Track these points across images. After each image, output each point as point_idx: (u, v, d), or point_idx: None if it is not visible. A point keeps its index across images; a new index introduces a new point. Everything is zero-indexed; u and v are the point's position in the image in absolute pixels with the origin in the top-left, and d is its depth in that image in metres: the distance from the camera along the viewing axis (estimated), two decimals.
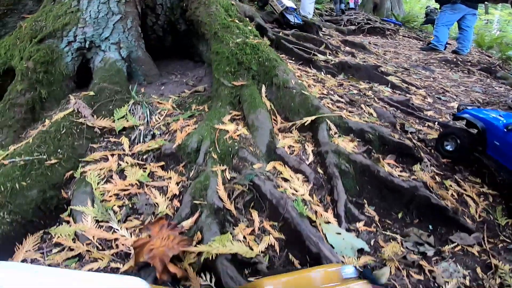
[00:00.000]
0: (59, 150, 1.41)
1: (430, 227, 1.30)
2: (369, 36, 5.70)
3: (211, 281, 0.94)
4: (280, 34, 2.91)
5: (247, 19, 2.33)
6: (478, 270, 1.16)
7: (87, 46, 1.85)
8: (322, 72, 2.44)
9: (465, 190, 1.52)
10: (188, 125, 1.58)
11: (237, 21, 2.08)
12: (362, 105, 1.87)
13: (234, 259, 0.98)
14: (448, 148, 1.69)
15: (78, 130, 1.53)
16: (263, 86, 1.70)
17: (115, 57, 1.85)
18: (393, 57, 4.20)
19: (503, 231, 1.37)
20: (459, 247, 1.23)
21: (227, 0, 2.29)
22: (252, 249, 1.02)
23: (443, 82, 3.27)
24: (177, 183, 1.35)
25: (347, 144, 1.44)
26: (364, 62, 3.07)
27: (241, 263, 1.00)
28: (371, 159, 1.39)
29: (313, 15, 5.33)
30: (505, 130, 1.49)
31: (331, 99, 1.87)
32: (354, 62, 2.67)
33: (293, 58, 2.61)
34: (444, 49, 5.20)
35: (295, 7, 3.52)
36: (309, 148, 1.47)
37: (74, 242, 1.10)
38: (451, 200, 1.41)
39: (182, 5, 2.20)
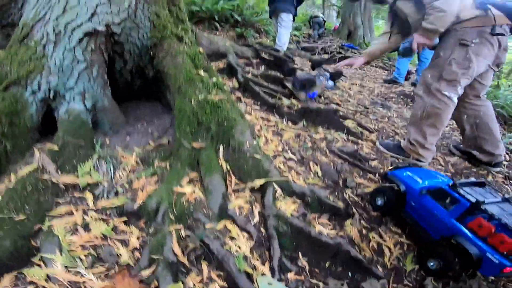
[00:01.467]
0: (26, 206, 1.50)
1: (350, 274, 1.55)
2: None
3: None
4: (249, 75, 3.11)
5: (213, 66, 2.49)
6: None
7: (51, 96, 1.90)
8: (284, 120, 2.67)
9: (384, 240, 1.77)
10: (150, 184, 1.72)
11: (202, 72, 2.22)
12: (311, 163, 2.11)
13: None
14: (379, 203, 1.98)
15: (43, 187, 1.62)
16: (221, 147, 1.88)
17: (79, 108, 1.92)
18: (357, 91, 4.56)
19: (408, 276, 1.60)
20: None
21: (195, 48, 2.43)
22: None
23: (396, 122, 3.65)
24: (138, 238, 1.51)
25: (288, 207, 1.67)
26: (326, 104, 3.36)
27: None
28: (305, 221, 1.63)
29: (290, 42, 5.62)
30: (420, 193, 1.80)
31: (285, 157, 2.09)
32: (315, 107, 2.93)
33: (259, 103, 2.82)
34: (405, 81, 5.71)
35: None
36: (256, 209, 1.68)
37: (47, 282, 1.23)
38: (369, 251, 1.68)
39: (150, 52, 2.31)
